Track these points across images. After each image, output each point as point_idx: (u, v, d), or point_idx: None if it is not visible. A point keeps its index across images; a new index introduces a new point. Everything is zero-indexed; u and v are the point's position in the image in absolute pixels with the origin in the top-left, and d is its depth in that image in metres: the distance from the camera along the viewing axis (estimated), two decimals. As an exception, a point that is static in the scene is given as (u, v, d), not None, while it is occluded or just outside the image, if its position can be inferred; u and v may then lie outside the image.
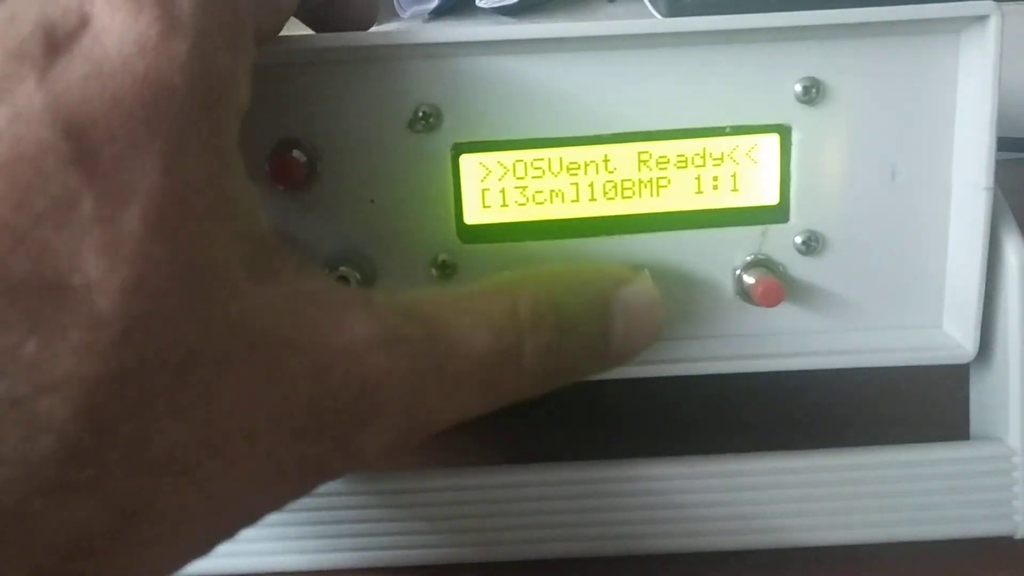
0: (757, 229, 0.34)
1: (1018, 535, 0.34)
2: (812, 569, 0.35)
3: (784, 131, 0.33)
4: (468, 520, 0.34)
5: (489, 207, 0.34)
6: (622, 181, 0.34)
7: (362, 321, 0.24)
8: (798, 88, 0.33)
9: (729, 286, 0.35)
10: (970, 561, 0.35)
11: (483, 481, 0.34)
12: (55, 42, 0.21)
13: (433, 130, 0.33)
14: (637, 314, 0.28)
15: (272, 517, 0.24)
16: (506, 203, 0.34)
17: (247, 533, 0.24)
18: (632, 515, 0.34)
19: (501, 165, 0.34)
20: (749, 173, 0.34)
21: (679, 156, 0.34)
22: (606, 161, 0.34)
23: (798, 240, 0.34)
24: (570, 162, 0.34)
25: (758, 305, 0.34)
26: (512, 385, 0.26)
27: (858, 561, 0.35)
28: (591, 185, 0.34)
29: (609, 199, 0.34)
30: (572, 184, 0.34)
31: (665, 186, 0.34)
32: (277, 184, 0.33)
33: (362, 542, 0.35)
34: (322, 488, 0.25)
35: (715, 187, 0.34)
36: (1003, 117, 0.33)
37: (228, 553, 0.25)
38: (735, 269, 0.34)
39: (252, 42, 0.25)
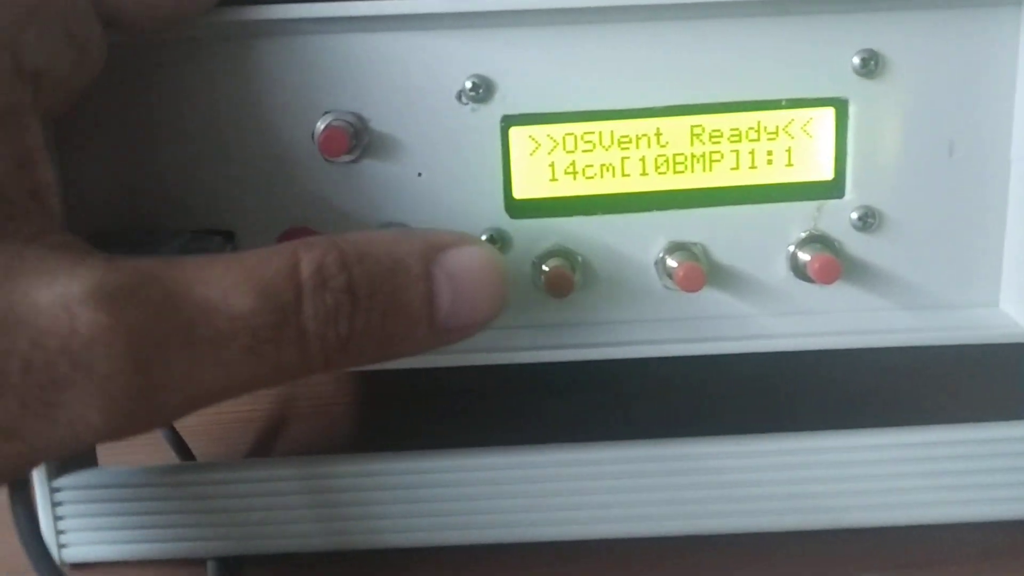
0: (812, 205, 0.34)
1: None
2: (867, 550, 0.34)
3: (841, 104, 0.33)
4: (473, 502, 0.34)
5: (539, 181, 0.33)
6: (674, 155, 0.33)
7: (78, 277, 0.22)
8: (856, 60, 0.32)
9: (783, 263, 0.34)
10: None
11: (493, 462, 0.34)
12: None
13: (483, 102, 0.33)
14: (467, 283, 0.26)
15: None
16: (555, 177, 0.33)
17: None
18: (680, 495, 0.34)
19: (551, 138, 0.33)
20: (804, 147, 0.33)
21: (733, 130, 0.33)
22: (658, 135, 0.33)
23: (854, 216, 0.33)
24: (621, 135, 0.33)
25: (814, 282, 0.33)
26: (295, 353, 0.24)
27: (912, 543, 0.34)
28: (642, 159, 0.33)
29: (661, 173, 0.33)
30: (623, 158, 0.33)
31: (718, 160, 0.33)
32: (323, 155, 0.32)
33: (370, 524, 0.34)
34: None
35: (769, 162, 0.33)
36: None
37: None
38: (789, 246, 0.34)
39: (44, 38, 0.25)
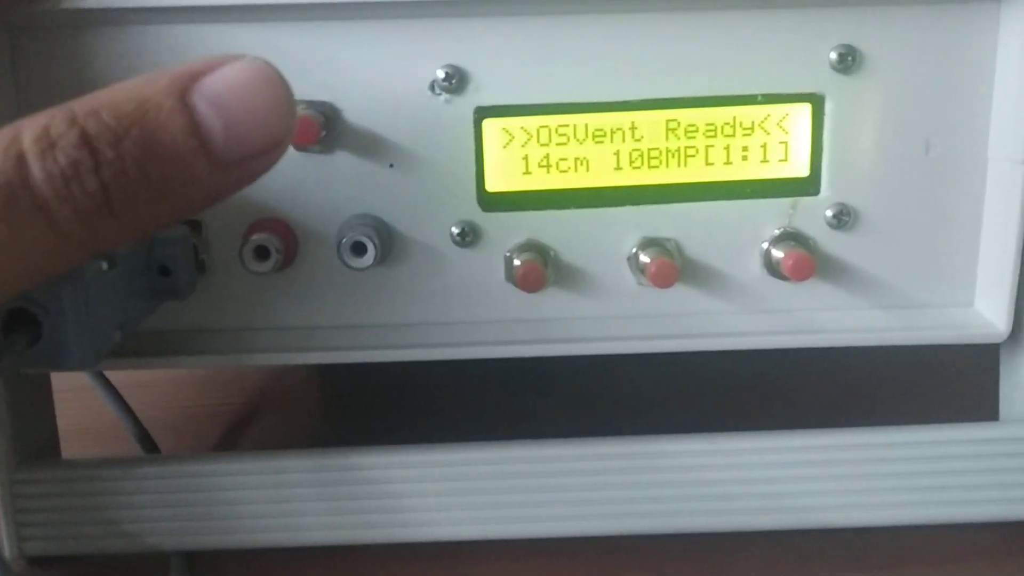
0: (787, 202, 0.33)
1: (1050, 519, 0.33)
2: (837, 551, 0.34)
3: (817, 100, 0.32)
4: (440, 498, 0.34)
5: (512, 174, 0.33)
6: (649, 150, 0.33)
7: None
8: (833, 56, 0.32)
9: (757, 260, 0.34)
10: (1001, 544, 0.34)
11: (492, 456, 0.34)
12: None
13: (456, 93, 0.32)
14: (238, 103, 0.23)
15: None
16: (529, 170, 0.33)
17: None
18: (653, 492, 0.34)
19: (525, 131, 0.32)
20: (780, 143, 0.33)
21: (708, 125, 0.33)
22: (633, 128, 0.33)
23: (829, 214, 0.33)
24: (596, 129, 0.33)
25: (787, 279, 0.33)
26: (43, 226, 0.22)
27: (884, 543, 0.34)
28: (617, 153, 0.33)
29: (635, 168, 0.33)
30: (597, 152, 0.33)
31: (693, 155, 0.33)
32: (292, 144, 0.31)
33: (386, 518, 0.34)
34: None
35: (744, 157, 0.33)
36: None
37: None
38: (763, 243, 0.33)
39: None
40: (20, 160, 0.21)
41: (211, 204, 0.24)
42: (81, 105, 0.22)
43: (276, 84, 0.24)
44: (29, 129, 0.22)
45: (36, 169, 0.21)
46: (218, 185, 0.24)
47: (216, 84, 0.23)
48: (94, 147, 0.22)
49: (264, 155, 0.24)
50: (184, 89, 0.23)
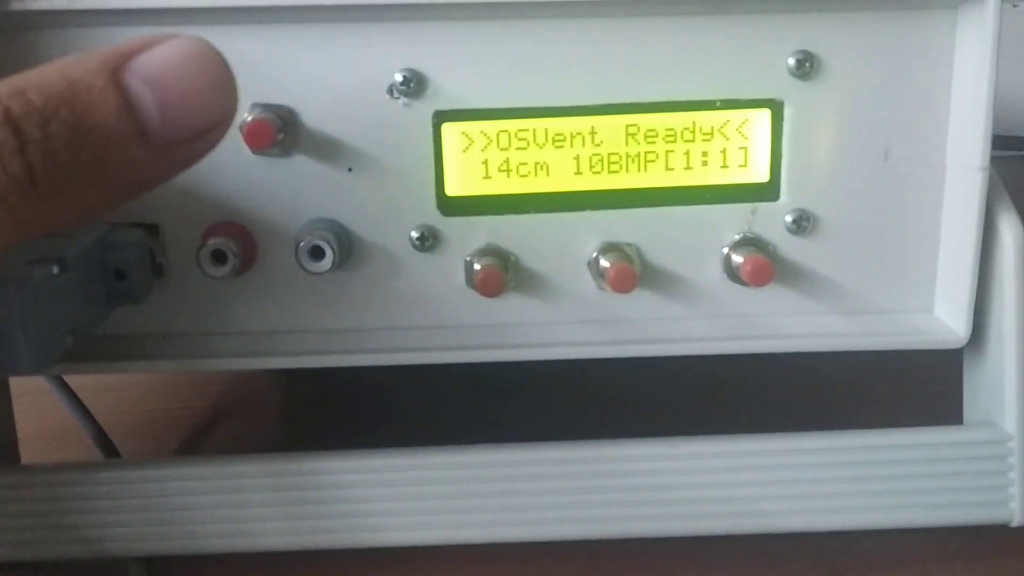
0: (747, 207, 0.33)
1: (1014, 523, 0.33)
2: (798, 555, 0.34)
3: (776, 106, 0.33)
4: (399, 503, 0.34)
5: (471, 179, 0.33)
6: (609, 154, 0.33)
7: None
8: (791, 62, 0.32)
9: (717, 265, 0.34)
10: (964, 549, 0.34)
11: (461, 460, 0.34)
12: None
13: (414, 96, 0.32)
14: (174, 82, 0.22)
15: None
16: (488, 175, 0.33)
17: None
18: (612, 497, 0.33)
19: (484, 135, 0.32)
20: (739, 149, 0.33)
21: (668, 130, 0.33)
22: (593, 133, 0.33)
23: (788, 219, 0.33)
24: (555, 133, 0.33)
25: (746, 285, 0.33)
26: None
27: (846, 548, 0.34)
28: (576, 158, 0.33)
29: (595, 173, 0.33)
30: (557, 156, 0.33)
31: (653, 160, 0.33)
32: (250, 147, 0.31)
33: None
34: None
35: (704, 163, 0.33)
36: (998, 114, 0.32)
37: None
38: (723, 248, 0.33)
39: None
40: None
41: (149, 188, 0.23)
42: (5, 85, 0.21)
43: (214, 62, 0.23)
44: None
45: None
46: (154, 168, 0.23)
47: (151, 63, 0.22)
48: (19, 127, 0.21)
49: (202, 137, 0.23)
50: (117, 68, 0.22)
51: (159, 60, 0.22)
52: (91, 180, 0.22)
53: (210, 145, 0.23)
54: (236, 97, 0.23)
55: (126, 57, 0.22)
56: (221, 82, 0.23)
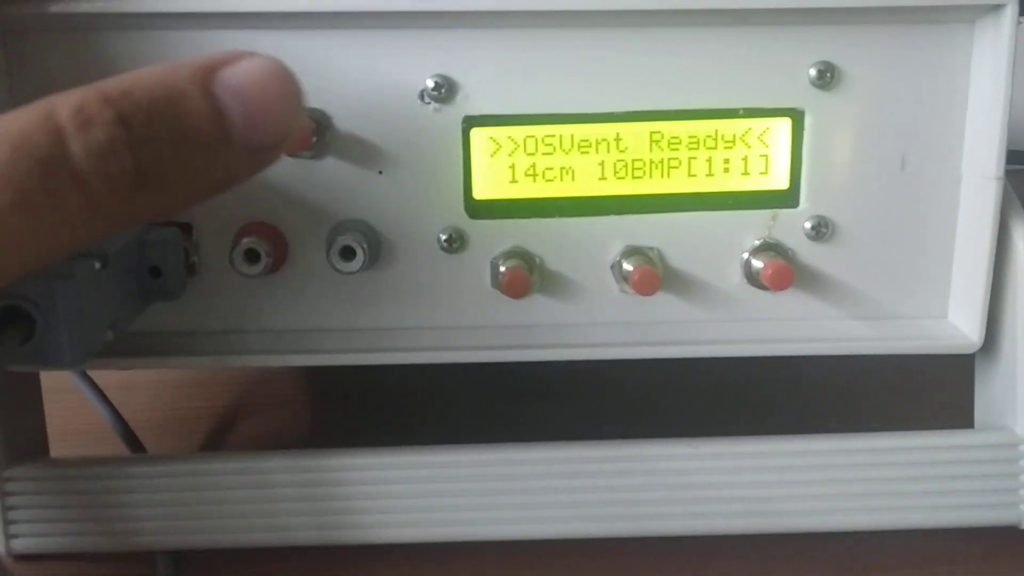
0: (767, 213, 0.34)
1: (1024, 525, 0.34)
2: (812, 554, 0.35)
3: (797, 115, 0.33)
4: (424, 500, 0.34)
5: (499, 182, 0.33)
6: (633, 160, 0.34)
7: None
8: (812, 72, 0.33)
9: (738, 270, 0.34)
10: (974, 550, 0.35)
11: (478, 458, 0.34)
12: None
13: (445, 102, 0.33)
14: (255, 94, 0.25)
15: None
16: (516, 179, 0.34)
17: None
18: (634, 496, 0.34)
19: (512, 140, 0.33)
20: (760, 157, 0.34)
21: (691, 137, 0.33)
22: (618, 140, 0.33)
23: (807, 226, 0.34)
24: (581, 139, 0.33)
25: (767, 289, 0.33)
26: (79, 199, 0.22)
27: (860, 548, 0.35)
28: (601, 163, 0.34)
29: (619, 178, 0.34)
30: (582, 162, 0.33)
31: (676, 167, 0.34)
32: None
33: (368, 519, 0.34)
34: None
35: (726, 170, 0.34)
36: (1011, 129, 0.32)
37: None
38: (744, 253, 0.34)
39: None
40: (59, 135, 0.22)
41: (224, 190, 0.25)
42: (109, 85, 0.23)
43: (290, 81, 0.25)
44: (64, 106, 0.22)
45: (75, 144, 0.22)
46: (233, 171, 0.25)
47: (236, 77, 0.24)
48: (130, 126, 0.23)
49: (275, 147, 0.25)
50: (206, 79, 0.24)
51: (244, 75, 0.24)
52: (184, 178, 0.24)
53: (277, 156, 0.25)
54: (303, 113, 0.26)
55: (213, 69, 0.24)
56: (294, 99, 0.25)
